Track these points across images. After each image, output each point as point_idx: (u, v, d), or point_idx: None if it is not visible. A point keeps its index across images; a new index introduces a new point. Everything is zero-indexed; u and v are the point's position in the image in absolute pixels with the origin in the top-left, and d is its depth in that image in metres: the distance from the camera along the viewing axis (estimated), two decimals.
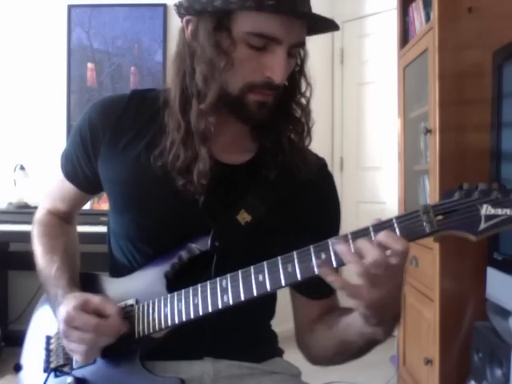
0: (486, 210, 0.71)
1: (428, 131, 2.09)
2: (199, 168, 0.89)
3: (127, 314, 0.93)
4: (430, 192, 2.16)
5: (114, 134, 0.97)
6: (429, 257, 2.11)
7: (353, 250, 0.73)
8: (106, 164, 0.98)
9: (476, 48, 1.98)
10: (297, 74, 0.94)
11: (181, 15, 0.91)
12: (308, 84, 0.95)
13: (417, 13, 2.44)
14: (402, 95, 2.65)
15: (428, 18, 2.29)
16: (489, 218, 0.71)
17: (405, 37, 2.64)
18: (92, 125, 0.98)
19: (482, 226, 0.71)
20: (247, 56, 0.85)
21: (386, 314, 0.78)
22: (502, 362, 1.67)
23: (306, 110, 0.96)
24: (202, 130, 0.90)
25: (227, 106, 0.89)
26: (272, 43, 0.84)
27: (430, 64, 2.11)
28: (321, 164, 1.04)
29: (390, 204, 3.50)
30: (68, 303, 0.91)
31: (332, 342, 0.93)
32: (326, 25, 0.90)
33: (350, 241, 0.74)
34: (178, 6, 0.89)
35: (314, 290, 0.98)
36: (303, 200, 0.97)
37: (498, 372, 1.71)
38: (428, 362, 2.10)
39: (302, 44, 0.90)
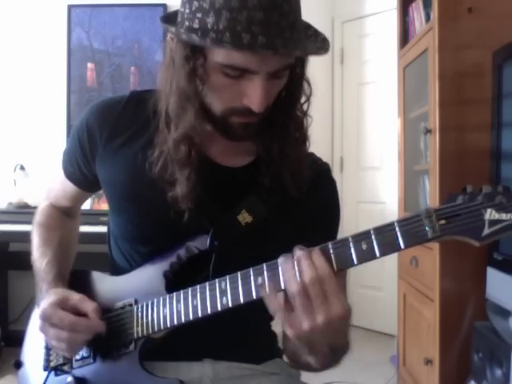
0: (489, 214, 0.69)
1: (428, 131, 2.09)
2: (178, 193, 0.88)
3: (126, 313, 0.93)
4: (430, 192, 2.16)
5: (111, 135, 0.97)
6: (429, 257, 2.11)
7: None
8: (103, 165, 0.98)
9: (476, 48, 1.98)
10: (294, 82, 0.90)
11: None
12: (308, 93, 0.92)
13: (417, 13, 2.44)
14: (402, 95, 2.65)
15: (428, 18, 2.29)
16: (493, 223, 0.69)
17: (405, 37, 2.64)
18: (89, 126, 0.98)
19: (486, 231, 0.69)
20: (224, 84, 0.82)
21: (316, 349, 0.75)
22: (502, 362, 1.67)
23: (303, 122, 0.94)
24: (177, 158, 0.88)
25: (212, 124, 0.88)
26: (248, 72, 0.80)
27: (430, 64, 2.11)
28: (324, 169, 1.03)
29: (389, 204, 3.50)
30: (47, 299, 0.92)
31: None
32: (313, 50, 0.84)
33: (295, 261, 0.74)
34: (160, 19, 0.86)
35: None
36: (304, 204, 0.96)
37: (498, 372, 1.71)
38: (428, 362, 2.10)
39: (286, 67, 0.84)
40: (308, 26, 0.88)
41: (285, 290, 0.74)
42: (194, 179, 0.88)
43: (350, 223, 3.51)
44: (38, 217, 1.12)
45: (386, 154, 3.62)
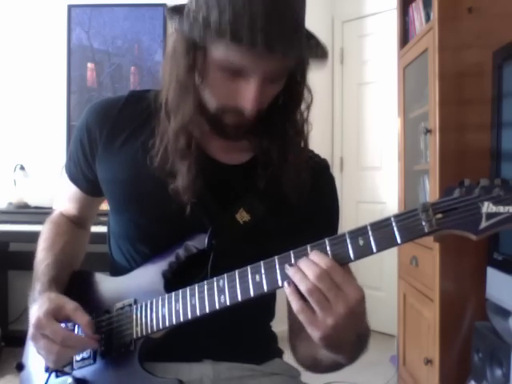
0: (487, 207, 0.68)
1: (428, 131, 2.09)
2: (180, 185, 0.88)
3: (125, 314, 0.93)
4: (430, 192, 2.16)
5: (110, 134, 0.97)
6: (429, 257, 2.11)
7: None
8: (103, 164, 0.98)
9: (476, 48, 1.98)
10: (294, 88, 0.91)
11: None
12: (309, 101, 0.93)
13: (417, 13, 2.44)
14: (402, 95, 2.65)
15: (428, 18, 2.29)
16: (490, 216, 0.68)
17: (405, 37, 2.64)
18: (89, 127, 0.99)
19: (483, 224, 0.68)
20: (220, 81, 0.83)
21: (343, 344, 0.76)
22: (502, 362, 1.67)
23: (303, 128, 0.94)
24: (177, 149, 0.89)
25: (207, 121, 0.89)
26: (244, 72, 0.81)
27: (429, 64, 2.11)
28: (323, 166, 1.04)
29: (389, 204, 3.50)
30: (41, 306, 0.90)
31: (308, 354, 0.92)
32: (314, 53, 0.86)
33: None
34: (167, 10, 0.87)
35: None
36: (303, 202, 0.96)
37: (498, 372, 1.71)
38: (428, 362, 2.10)
39: (284, 71, 0.85)
40: (311, 36, 0.88)
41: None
42: (194, 172, 0.89)
43: (350, 223, 3.49)
44: (47, 225, 1.11)
45: (385, 154, 3.62)
